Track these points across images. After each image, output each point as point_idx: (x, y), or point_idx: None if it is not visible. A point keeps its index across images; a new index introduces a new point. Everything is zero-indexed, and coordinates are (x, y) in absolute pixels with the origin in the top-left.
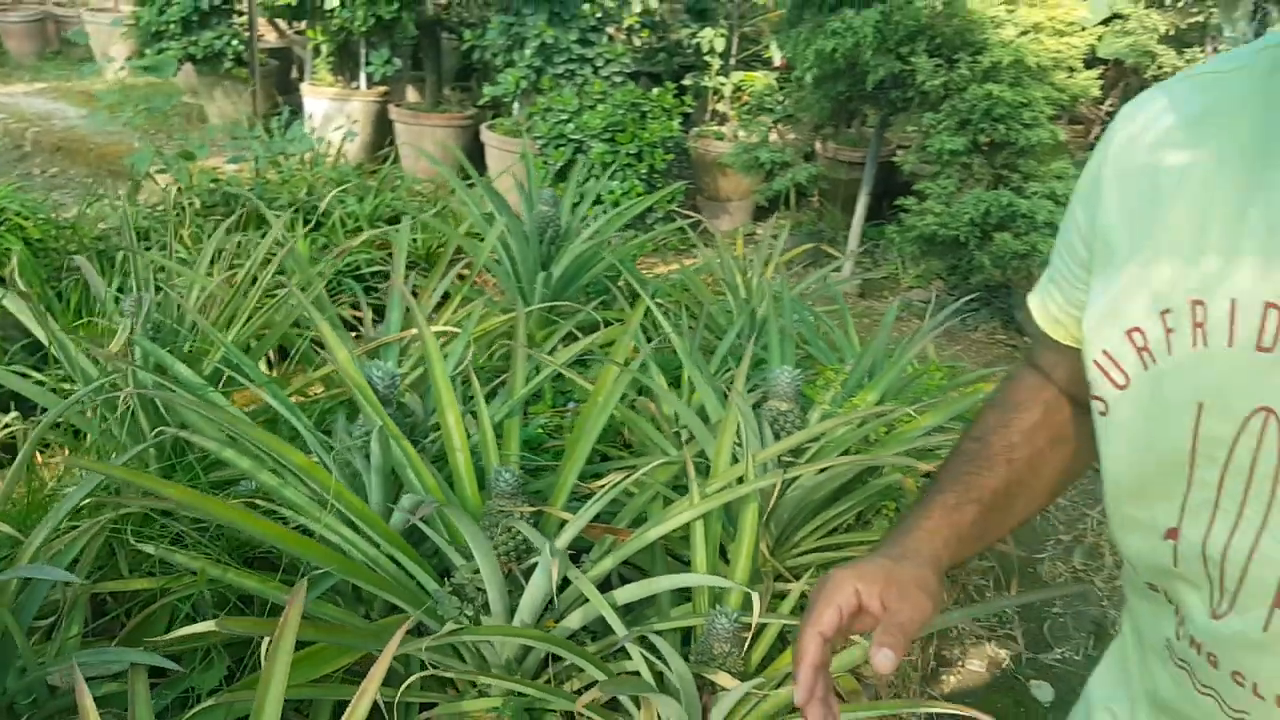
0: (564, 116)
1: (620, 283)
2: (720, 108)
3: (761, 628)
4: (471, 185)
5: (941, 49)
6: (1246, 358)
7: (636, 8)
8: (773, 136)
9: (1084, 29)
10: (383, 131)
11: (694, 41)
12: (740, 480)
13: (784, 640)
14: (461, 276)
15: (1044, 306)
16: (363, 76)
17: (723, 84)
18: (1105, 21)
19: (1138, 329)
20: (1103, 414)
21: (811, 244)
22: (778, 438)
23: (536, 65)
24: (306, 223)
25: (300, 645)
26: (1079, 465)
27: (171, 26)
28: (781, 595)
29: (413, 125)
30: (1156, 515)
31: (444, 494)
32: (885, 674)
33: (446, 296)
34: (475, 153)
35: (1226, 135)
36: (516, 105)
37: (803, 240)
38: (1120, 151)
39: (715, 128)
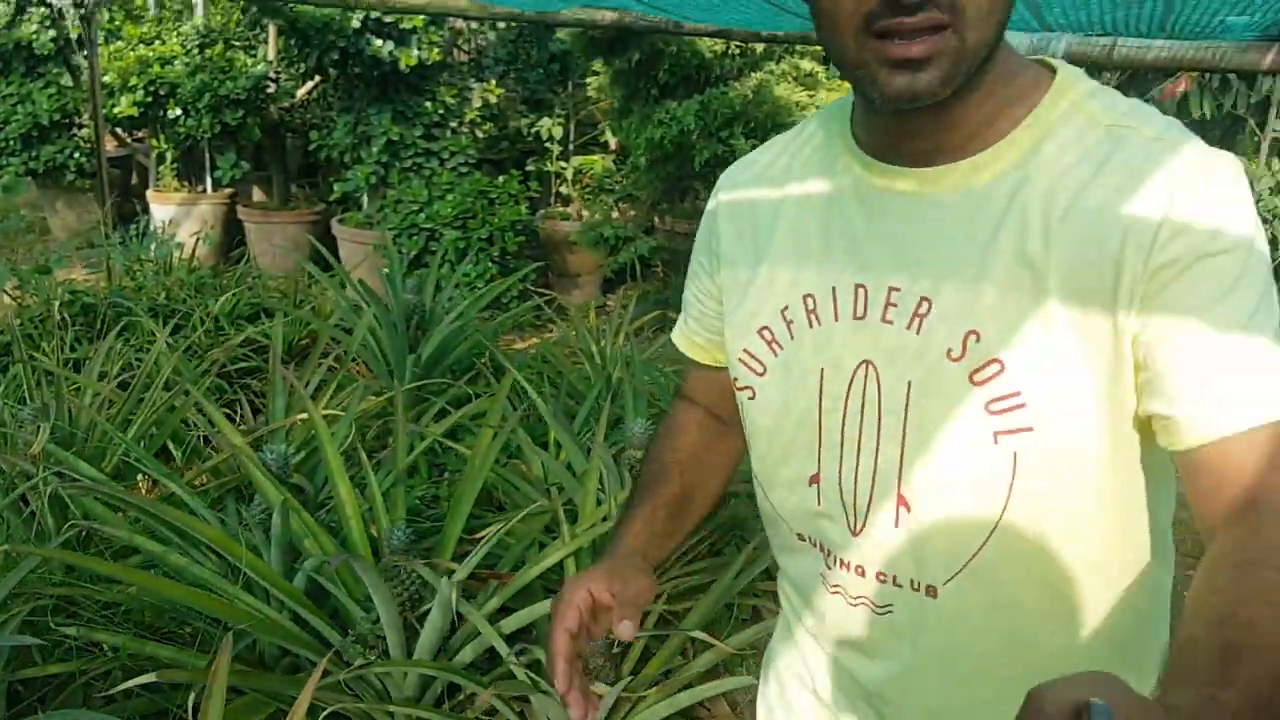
0: (415, 207)
1: (485, 360)
2: (564, 190)
3: (629, 644)
4: (333, 276)
5: (756, 131)
6: (849, 326)
7: (476, 102)
8: (614, 214)
9: None
10: (232, 233)
11: (533, 130)
12: (605, 519)
13: (649, 652)
14: (333, 368)
15: (688, 339)
16: (209, 180)
17: (564, 168)
18: None
19: (767, 327)
20: (750, 399)
21: (658, 310)
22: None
23: (384, 160)
24: (168, 325)
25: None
26: (733, 459)
27: (11, 143)
28: (647, 613)
29: (263, 224)
30: (801, 468)
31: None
32: (629, 639)
33: (322, 384)
34: (327, 247)
35: (800, 177)
36: (366, 199)
37: (650, 308)
38: (727, 203)
39: (561, 209)
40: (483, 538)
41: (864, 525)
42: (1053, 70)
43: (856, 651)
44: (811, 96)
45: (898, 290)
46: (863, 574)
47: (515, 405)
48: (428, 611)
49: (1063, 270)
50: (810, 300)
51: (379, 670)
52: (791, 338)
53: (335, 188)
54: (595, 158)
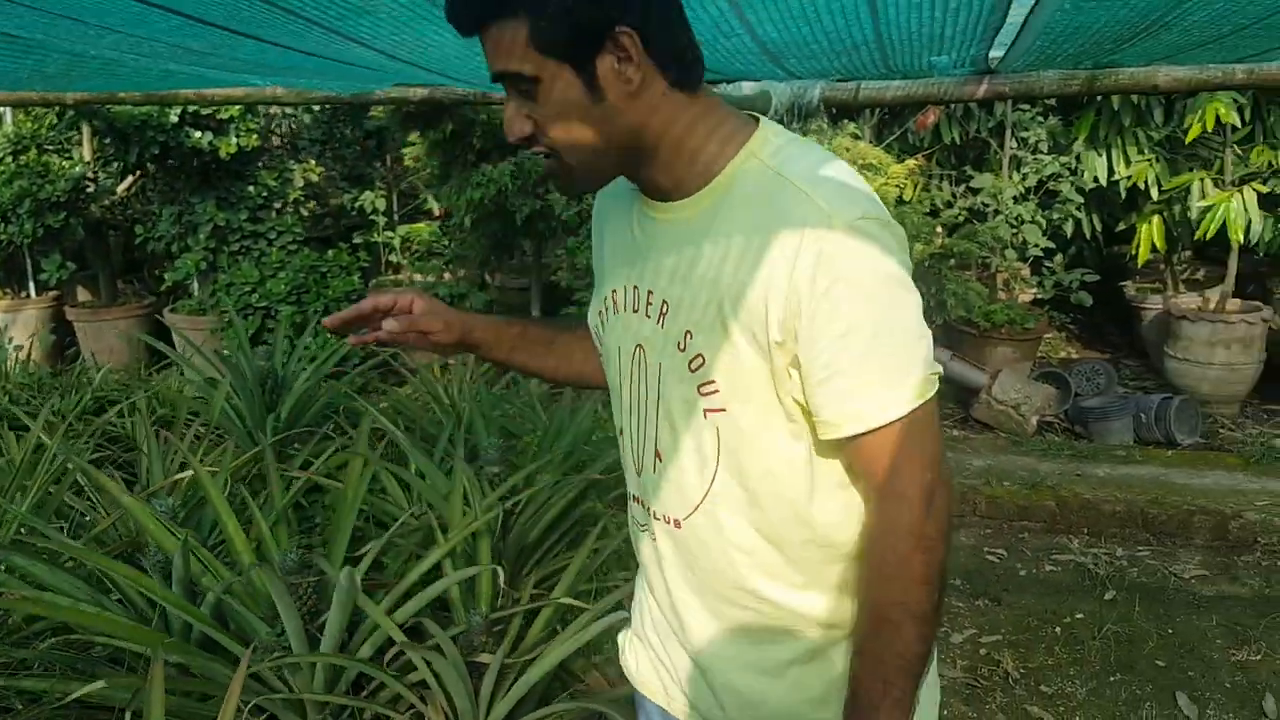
0: (247, 288)
1: (340, 417)
2: (393, 258)
3: (508, 621)
4: (170, 364)
5: None
6: (629, 316)
7: (299, 182)
8: (446, 275)
9: None
10: (62, 335)
11: (356, 204)
12: (472, 524)
13: (526, 626)
14: (197, 436)
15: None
16: (32, 285)
17: (391, 237)
18: None
19: (601, 310)
20: (604, 353)
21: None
22: (495, 490)
23: (212, 246)
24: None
25: None
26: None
27: None
28: (516, 601)
29: (93, 323)
30: (619, 421)
31: (240, 583)
32: (386, 335)
33: (190, 447)
34: (161, 337)
35: (616, 214)
36: (196, 286)
37: (474, 360)
38: (595, 217)
39: (392, 276)
40: (367, 552)
41: (641, 467)
42: (756, 122)
43: (653, 567)
44: None
45: (653, 293)
46: (644, 505)
47: (375, 447)
48: (324, 623)
49: (737, 289)
50: (615, 294)
51: (289, 662)
52: (606, 322)
53: (166, 278)
54: (420, 225)
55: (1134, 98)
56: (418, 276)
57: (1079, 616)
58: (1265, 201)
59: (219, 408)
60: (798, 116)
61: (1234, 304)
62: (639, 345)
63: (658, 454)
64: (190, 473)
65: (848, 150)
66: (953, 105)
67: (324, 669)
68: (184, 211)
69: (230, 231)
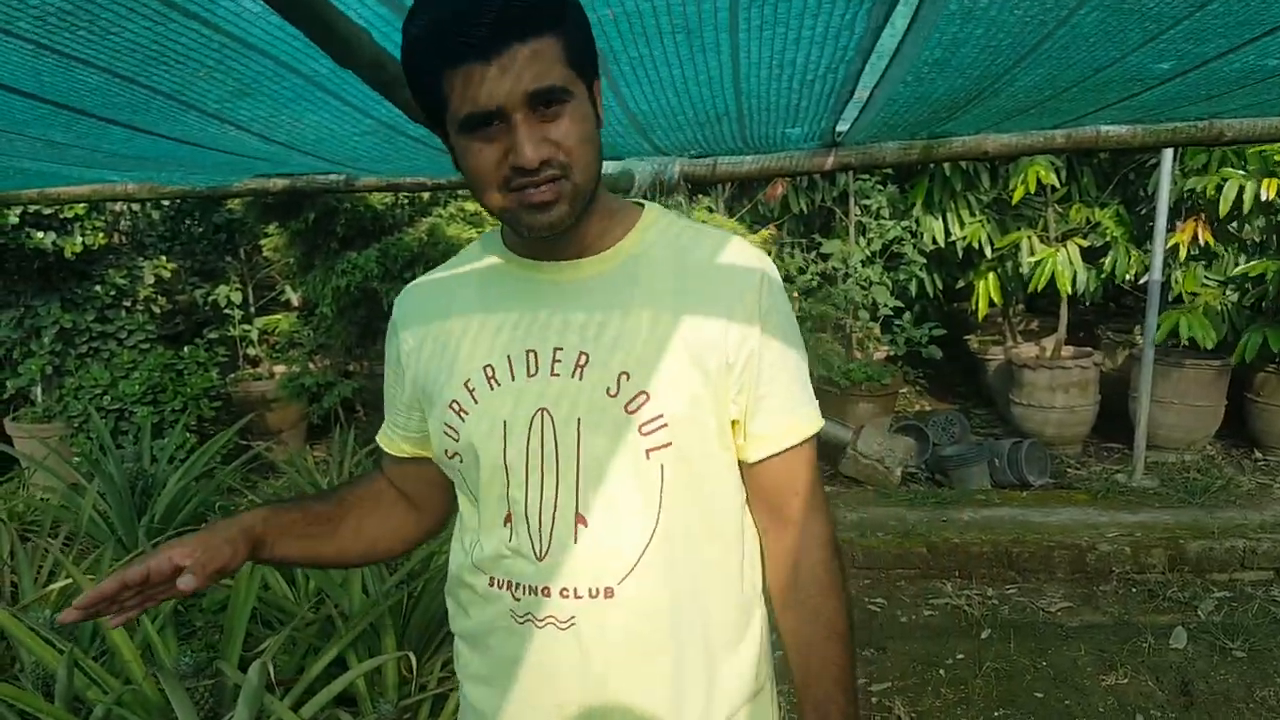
0: (98, 390)
1: (215, 515)
2: (251, 351)
3: (416, 709)
4: (12, 477)
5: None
6: (523, 383)
7: (149, 280)
8: (311, 365)
9: None
10: None
11: (210, 299)
12: (374, 606)
13: (435, 712)
14: (67, 542)
15: (392, 443)
16: None
17: (248, 330)
18: None
19: (455, 400)
20: (459, 463)
21: (371, 445)
22: (394, 574)
23: (57, 350)
24: None
25: None
26: (402, 532)
27: None
28: (424, 686)
29: None
30: (497, 512)
31: (132, 692)
32: (186, 591)
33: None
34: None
35: (456, 298)
36: (40, 391)
37: (359, 446)
38: (401, 324)
39: (252, 370)
40: (265, 649)
41: (548, 549)
42: (641, 205)
43: (544, 677)
44: (480, 231)
45: (561, 349)
46: (547, 594)
47: None
48: None
49: (685, 322)
50: (489, 369)
51: None
52: (475, 402)
53: (8, 385)
54: (278, 316)
55: (963, 164)
56: (279, 368)
57: (960, 657)
58: (1087, 254)
59: (87, 514)
60: (660, 192)
61: (1068, 350)
62: (541, 409)
63: (580, 520)
64: (61, 583)
65: (704, 222)
66: (800, 177)
67: None
68: (26, 315)
69: (77, 333)
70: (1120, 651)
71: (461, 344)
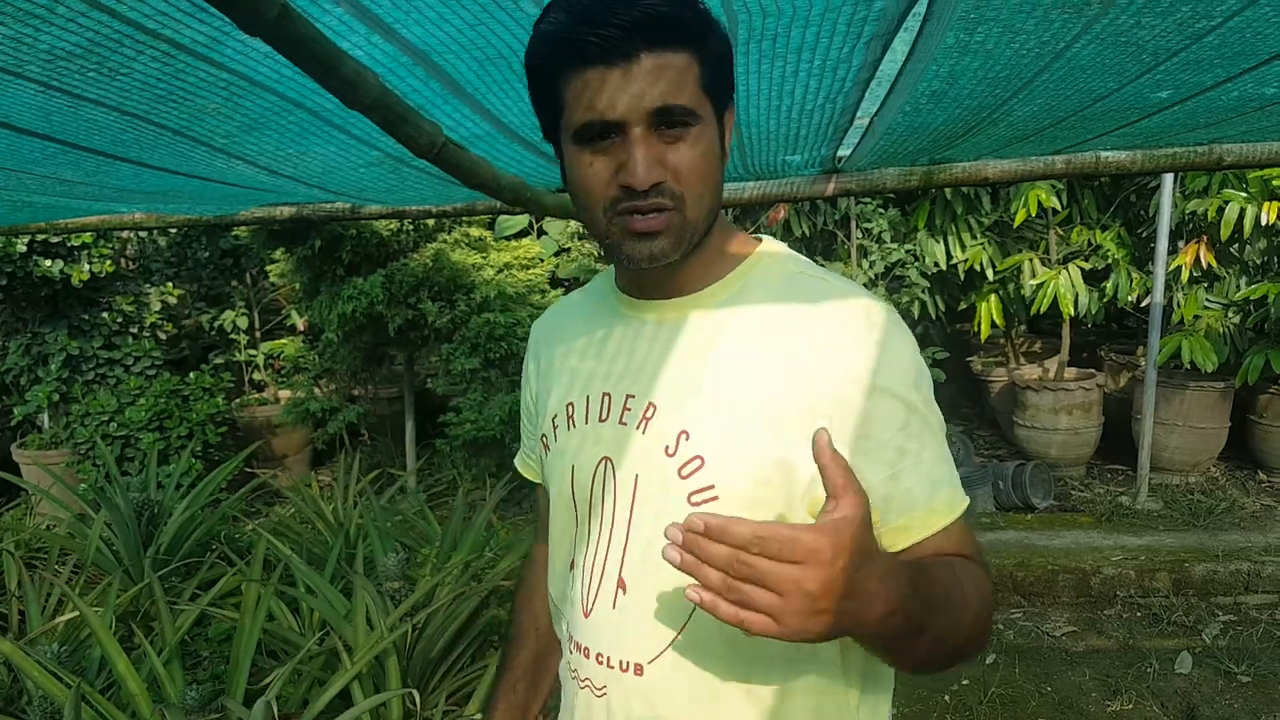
0: (105, 417)
1: (218, 545)
2: (257, 376)
3: None
4: (17, 504)
5: (441, 294)
6: (595, 427)
7: (156, 306)
8: (317, 390)
9: (542, 260)
10: None
11: (216, 324)
12: (378, 642)
13: None
14: (75, 572)
15: (523, 461)
16: None
17: (254, 355)
18: (557, 253)
19: (545, 434)
20: (547, 497)
21: (376, 471)
22: (398, 606)
23: (64, 376)
24: None
25: None
26: None
27: None
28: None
29: None
30: (567, 556)
31: None
32: None
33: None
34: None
35: (570, 327)
36: (46, 419)
37: (363, 473)
38: (532, 342)
39: (257, 395)
40: (271, 682)
41: (593, 607)
42: (759, 240)
43: None
44: (485, 258)
45: (633, 397)
46: (587, 655)
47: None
48: None
49: (760, 386)
50: (570, 408)
51: None
52: (556, 440)
53: (16, 411)
54: (283, 341)
55: (964, 188)
56: (284, 393)
57: (965, 683)
58: (1089, 277)
59: (94, 544)
60: None
61: (1070, 372)
62: (605, 458)
63: (621, 585)
64: (68, 615)
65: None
66: (800, 202)
67: None
68: (33, 342)
69: (84, 360)
70: (1125, 677)
71: (561, 376)
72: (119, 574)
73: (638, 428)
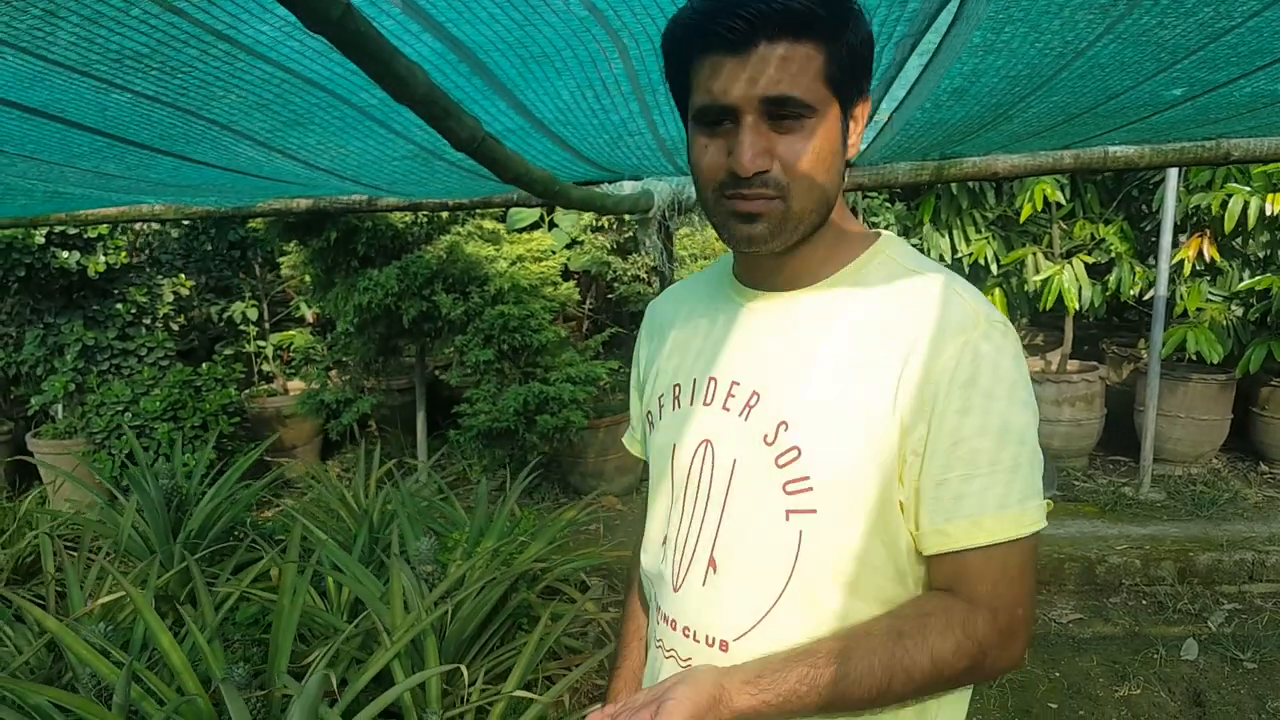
0: (119, 407)
1: (243, 531)
2: (266, 368)
3: (461, 718)
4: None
5: (455, 286)
6: (699, 410)
7: (168, 297)
8: (329, 381)
9: (555, 253)
10: None
11: (225, 315)
12: (415, 624)
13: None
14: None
15: (631, 438)
16: None
17: (263, 346)
18: (569, 245)
19: (650, 412)
20: (647, 472)
21: (392, 461)
22: (433, 589)
23: (79, 367)
24: None
25: None
26: None
27: None
28: (465, 699)
29: None
30: (661, 529)
31: (187, 703)
32: None
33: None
34: (22, 465)
35: (684, 311)
36: (61, 408)
37: (380, 462)
38: (646, 323)
39: (267, 386)
40: (313, 662)
41: (683, 582)
42: (878, 234)
43: None
44: (498, 250)
45: (738, 384)
46: (674, 627)
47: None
48: None
49: (865, 376)
50: (677, 389)
51: None
52: (660, 418)
53: (34, 401)
54: (292, 332)
55: (969, 183)
56: (294, 384)
57: None
58: (1092, 270)
59: (126, 530)
60: (678, 211)
61: (1073, 365)
62: (706, 440)
63: (712, 563)
64: (107, 596)
65: (717, 240)
66: None
67: None
68: (49, 332)
69: (99, 350)
70: (1132, 663)
71: (671, 357)
72: (153, 559)
73: (740, 414)
